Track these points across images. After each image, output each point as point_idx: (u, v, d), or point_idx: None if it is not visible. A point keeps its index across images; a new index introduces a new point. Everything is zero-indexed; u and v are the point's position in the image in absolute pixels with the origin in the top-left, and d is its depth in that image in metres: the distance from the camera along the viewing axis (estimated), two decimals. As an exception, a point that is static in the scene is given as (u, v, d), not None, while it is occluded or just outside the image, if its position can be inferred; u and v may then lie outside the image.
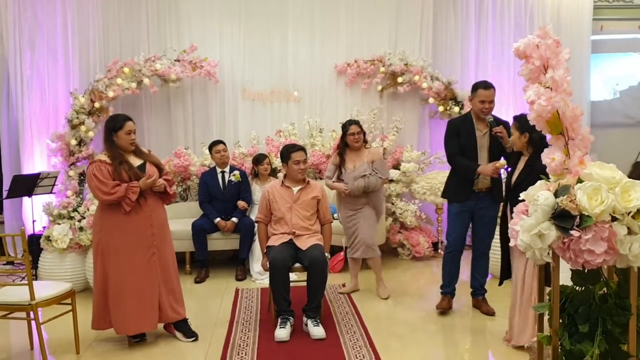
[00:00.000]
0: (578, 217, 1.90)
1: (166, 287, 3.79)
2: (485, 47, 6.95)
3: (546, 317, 2.15)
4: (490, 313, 4.34)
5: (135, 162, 3.77)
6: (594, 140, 2.16)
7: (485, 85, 4.24)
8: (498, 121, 4.24)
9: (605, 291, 2.05)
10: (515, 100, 6.94)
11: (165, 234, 3.85)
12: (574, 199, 1.92)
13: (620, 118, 7.43)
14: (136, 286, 3.67)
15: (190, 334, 3.87)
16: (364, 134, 4.86)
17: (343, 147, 4.86)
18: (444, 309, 4.38)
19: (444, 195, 4.51)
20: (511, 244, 2.08)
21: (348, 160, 4.80)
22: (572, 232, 1.89)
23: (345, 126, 4.87)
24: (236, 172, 5.79)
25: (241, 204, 5.70)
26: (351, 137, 4.78)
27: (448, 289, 4.43)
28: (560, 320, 2.07)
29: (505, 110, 6.87)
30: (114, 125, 3.72)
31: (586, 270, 2.01)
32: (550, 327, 2.08)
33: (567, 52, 2.14)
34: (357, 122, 4.90)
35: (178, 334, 3.87)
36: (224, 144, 5.85)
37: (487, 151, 4.23)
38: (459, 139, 4.25)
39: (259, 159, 5.92)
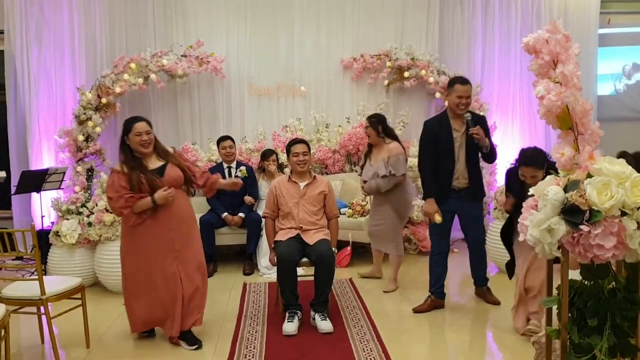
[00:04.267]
0: (587, 211, 1.90)
1: (189, 292, 3.70)
2: (492, 41, 6.94)
3: (555, 311, 2.15)
4: (496, 302, 4.41)
5: (155, 163, 3.70)
6: (602, 135, 2.17)
7: (462, 81, 4.18)
8: (475, 119, 4.14)
9: (614, 285, 2.05)
10: (521, 94, 6.93)
11: (189, 239, 3.75)
12: (584, 193, 1.92)
13: (627, 112, 7.40)
14: (152, 289, 3.65)
15: (193, 342, 3.73)
16: (377, 129, 4.84)
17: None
18: (418, 311, 4.32)
19: (428, 197, 4.28)
20: (520, 238, 2.09)
21: (372, 156, 4.90)
22: (582, 226, 1.89)
23: None
24: (242, 168, 5.80)
25: (248, 199, 5.72)
26: (364, 131, 4.99)
27: (433, 288, 4.37)
28: (569, 315, 2.07)
29: (511, 104, 6.87)
30: (124, 128, 3.68)
31: (595, 265, 2.01)
32: (559, 321, 2.09)
33: (577, 47, 2.13)
34: (370, 117, 4.99)
35: (182, 343, 3.74)
36: (231, 139, 5.87)
37: (465, 150, 4.16)
38: (436, 145, 4.18)
39: (265, 155, 5.93)
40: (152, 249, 3.63)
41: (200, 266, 3.79)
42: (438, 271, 4.34)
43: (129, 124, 3.69)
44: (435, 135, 4.19)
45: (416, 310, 4.31)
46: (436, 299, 4.36)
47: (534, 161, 3.52)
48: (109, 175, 3.69)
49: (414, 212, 6.12)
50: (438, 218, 4.08)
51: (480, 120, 4.21)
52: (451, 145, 4.15)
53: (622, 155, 4.31)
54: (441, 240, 4.31)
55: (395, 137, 4.92)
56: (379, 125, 4.85)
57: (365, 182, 4.90)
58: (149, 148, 3.69)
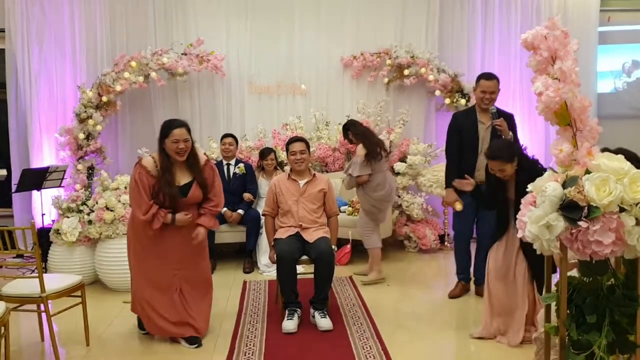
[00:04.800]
0: (586, 208, 1.90)
1: (191, 304, 3.73)
2: (492, 39, 6.93)
3: (554, 308, 2.16)
4: None
5: (183, 178, 3.64)
6: (601, 131, 2.16)
7: (488, 76, 4.34)
8: (500, 113, 4.30)
9: (613, 282, 2.06)
10: (521, 92, 6.93)
11: (196, 255, 3.76)
12: (582, 190, 1.92)
13: (627, 110, 7.39)
14: (158, 299, 3.65)
15: (193, 340, 3.70)
16: (349, 137, 5.16)
17: None
18: (455, 296, 4.54)
19: (448, 187, 4.53)
20: (519, 235, 2.09)
21: None
22: (580, 223, 1.89)
23: None
24: (240, 165, 5.81)
25: (247, 196, 5.72)
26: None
27: (462, 275, 4.60)
28: (568, 311, 2.08)
29: (511, 102, 6.86)
30: (163, 132, 3.58)
31: (594, 261, 2.01)
32: (557, 318, 2.09)
33: (575, 43, 2.14)
34: (344, 125, 5.31)
35: (182, 341, 3.73)
36: (233, 137, 5.90)
37: (488, 143, 4.24)
38: (460, 136, 4.37)
39: (264, 153, 5.94)
40: (161, 258, 3.64)
41: (205, 281, 3.85)
42: (464, 259, 4.58)
43: (167, 129, 3.57)
44: (460, 126, 4.39)
45: (451, 296, 4.53)
46: (465, 283, 4.59)
47: (499, 155, 3.40)
48: (136, 165, 3.61)
49: (414, 210, 6.14)
50: (459, 206, 4.25)
51: (507, 117, 4.35)
52: (475, 138, 4.31)
53: (602, 152, 4.34)
54: (464, 231, 4.53)
55: (364, 140, 5.00)
56: (347, 131, 5.18)
57: None
58: (184, 157, 3.60)
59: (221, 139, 5.91)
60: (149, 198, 3.53)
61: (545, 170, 3.59)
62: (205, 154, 3.97)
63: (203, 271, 3.85)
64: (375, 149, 4.95)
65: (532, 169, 3.37)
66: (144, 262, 3.66)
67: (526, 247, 3.52)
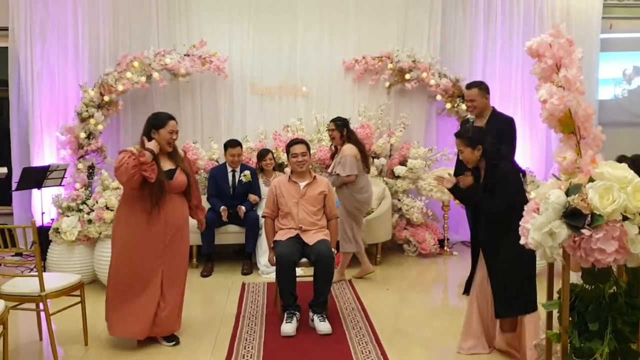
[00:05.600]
0: (589, 216, 1.91)
1: (167, 300, 3.71)
2: (494, 45, 6.93)
3: (556, 315, 2.16)
4: None
5: (166, 165, 3.70)
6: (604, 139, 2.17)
7: (467, 86, 4.62)
8: (499, 118, 4.54)
9: (616, 290, 2.06)
10: (523, 97, 6.94)
11: (179, 246, 3.75)
12: (586, 197, 1.92)
13: (628, 117, 7.41)
14: (135, 291, 3.63)
15: (171, 338, 3.75)
16: (342, 132, 5.12)
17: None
18: None
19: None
20: (522, 241, 2.09)
21: (337, 155, 5.21)
22: (583, 230, 1.90)
23: None
24: (247, 172, 5.77)
25: (253, 197, 5.71)
26: (329, 134, 5.30)
27: None
28: (570, 318, 2.08)
29: (513, 107, 6.87)
30: (157, 122, 3.68)
31: (596, 269, 2.02)
32: (560, 325, 2.09)
33: (580, 52, 2.14)
34: (335, 119, 5.24)
35: (160, 340, 3.76)
36: (240, 146, 5.83)
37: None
38: None
39: (262, 155, 5.93)
40: (142, 249, 3.62)
41: (182, 275, 3.81)
42: None
43: (163, 120, 3.69)
44: None
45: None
46: None
47: (461, 134, 3.52)
48: (120, 152, 3.65)
49: (413, 214, 6.14)
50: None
51: (506, 122, 4.54)
52: None
53: (620, 159, 4.33)
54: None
55: (355, 141, 5.12)
56: (344, 128, 5.14)
57: None
58: (172, 147, 3.74)
59: (227, 146, 5.81)
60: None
61: (520, 172, 3.64)
62: (184, 151, 4.04)
63: (183, 260, 3.82)
64: (365, 150, 5.16)
65: (496, 166, 3.37)
66: (128, 256, 3.62)
67: (491, 267, 3.44)
